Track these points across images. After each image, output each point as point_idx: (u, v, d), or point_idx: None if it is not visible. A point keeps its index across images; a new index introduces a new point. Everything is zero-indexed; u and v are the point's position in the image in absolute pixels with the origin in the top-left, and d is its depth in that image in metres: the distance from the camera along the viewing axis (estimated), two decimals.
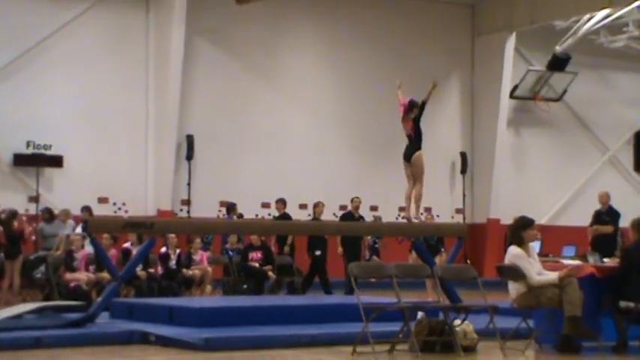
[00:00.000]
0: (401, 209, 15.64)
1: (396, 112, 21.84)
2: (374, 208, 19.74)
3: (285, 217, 16.14)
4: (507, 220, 19.20)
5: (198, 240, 14.79)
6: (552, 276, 8.58)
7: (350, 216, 15.77)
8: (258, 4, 18.54)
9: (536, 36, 21.60)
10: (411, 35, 21.19)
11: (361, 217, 15.88)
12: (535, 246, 9.21)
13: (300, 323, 9.67)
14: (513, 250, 8.71)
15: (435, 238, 14.02)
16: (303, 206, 19.29)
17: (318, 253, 15.15)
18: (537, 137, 22.52)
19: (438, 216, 19.35)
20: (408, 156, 10.86)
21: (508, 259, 8.73)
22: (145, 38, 18.74)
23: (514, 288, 8.72)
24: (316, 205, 16.01)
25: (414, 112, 10.75)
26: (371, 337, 8.31)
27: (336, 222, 15.75)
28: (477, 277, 9.38)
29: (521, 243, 8.72)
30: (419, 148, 10.83)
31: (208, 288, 14.34)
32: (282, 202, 16.54)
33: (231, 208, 16.92)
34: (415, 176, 10.88)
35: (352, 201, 15.95)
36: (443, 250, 14.21)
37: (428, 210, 17.25)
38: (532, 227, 8.86)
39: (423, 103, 10.78)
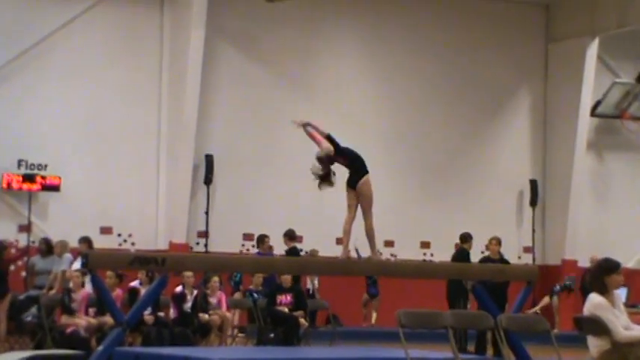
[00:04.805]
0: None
1: (454, 131, 21.83)
2: (389, 243, 19.71)
3: (293, 252, 15.90)
4: (586, 262, 19.09)
5: (215, 278, 14.80)
6: None
7: (488, 261, 14.79)
8: (292, 1, 18.66)
9: (623, 42, 21.50)
10: (473, 41, 21.17)
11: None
12: (620, 294, 9.11)
13: None
14: (595, 299, 8.61)
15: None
16: (341, 241, 19.24)
17: None
18: (623, 163, 22.34)
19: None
20: (353, 183, 10.50)
21: (588, 310, 8.63)
22: (158, 41, 18.92)
23: (595, 345, 8.61)
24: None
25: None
26: None
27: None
28: (549, 329, 9.33)
29: (604, 290, 8.61)
30: (365, 172, 10.53)
31: (238, 336, 14.28)
32: (287, 236, 16.33)
33: (260, 240, 16.88)
34: (363, 207, 10.78)
35: (490, 243, 15.13)
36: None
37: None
38: (618, 272, 8.76)
39: (320, 159, 10.55)
